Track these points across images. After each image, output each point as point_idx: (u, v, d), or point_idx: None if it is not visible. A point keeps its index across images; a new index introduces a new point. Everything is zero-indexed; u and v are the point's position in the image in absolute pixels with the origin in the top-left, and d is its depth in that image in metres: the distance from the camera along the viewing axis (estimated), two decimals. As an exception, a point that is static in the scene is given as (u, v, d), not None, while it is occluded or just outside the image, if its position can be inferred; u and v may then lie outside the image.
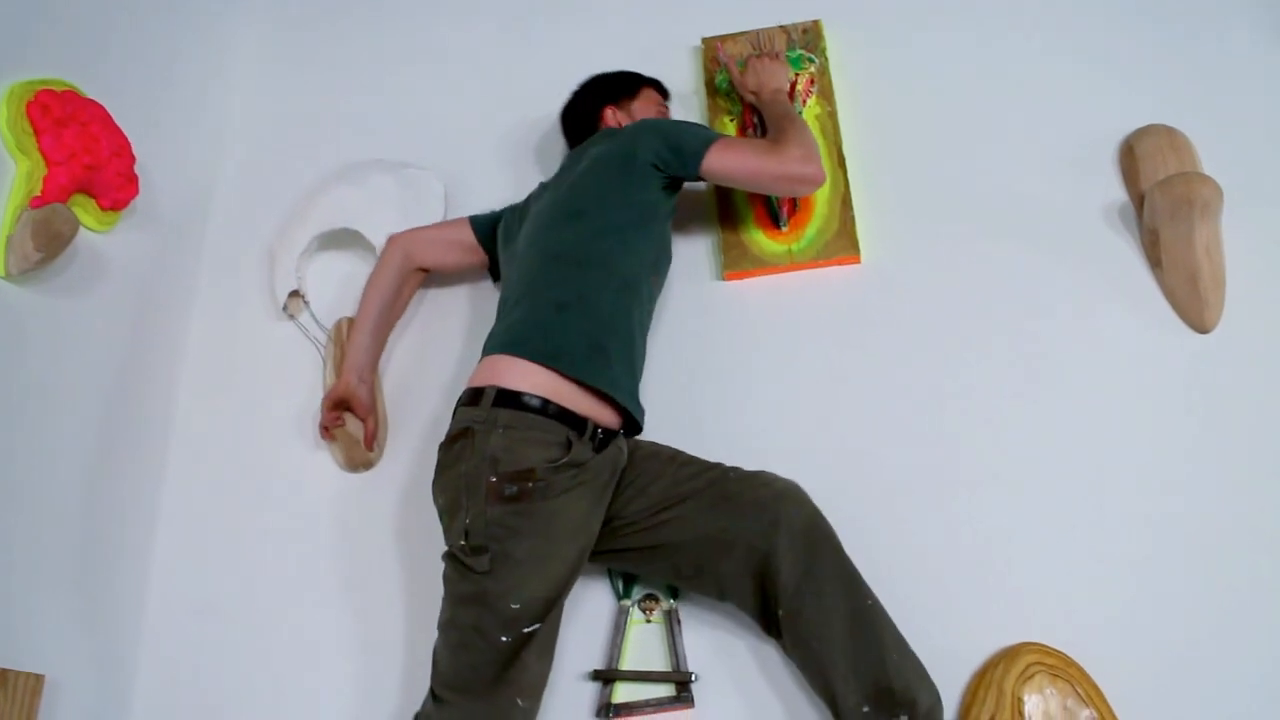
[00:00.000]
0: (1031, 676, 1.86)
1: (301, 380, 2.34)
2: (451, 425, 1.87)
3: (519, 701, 1.76)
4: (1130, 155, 2.22)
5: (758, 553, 1.81)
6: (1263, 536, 1.94)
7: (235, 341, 2.41)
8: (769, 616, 1.84)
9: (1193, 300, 2.09)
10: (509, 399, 1.81)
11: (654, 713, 1.94)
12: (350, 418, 2.22)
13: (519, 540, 1.74)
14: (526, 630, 1.75)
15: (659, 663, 1.98)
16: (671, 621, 1.99)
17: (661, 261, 2.11)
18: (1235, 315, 2.09)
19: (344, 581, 2.14)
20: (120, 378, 2.20)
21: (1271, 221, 2.15)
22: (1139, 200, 2.18)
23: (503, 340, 1.90)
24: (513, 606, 1.73)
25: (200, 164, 2.56)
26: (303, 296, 2.39)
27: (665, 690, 1.96)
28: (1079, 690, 1.86)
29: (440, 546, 1.87)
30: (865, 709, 1.73)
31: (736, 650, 1.96)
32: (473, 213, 2.32)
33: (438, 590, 1.86)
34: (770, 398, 2.14)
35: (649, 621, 2.01)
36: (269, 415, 2.32)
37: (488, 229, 2.25)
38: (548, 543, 1.77)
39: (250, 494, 2.26)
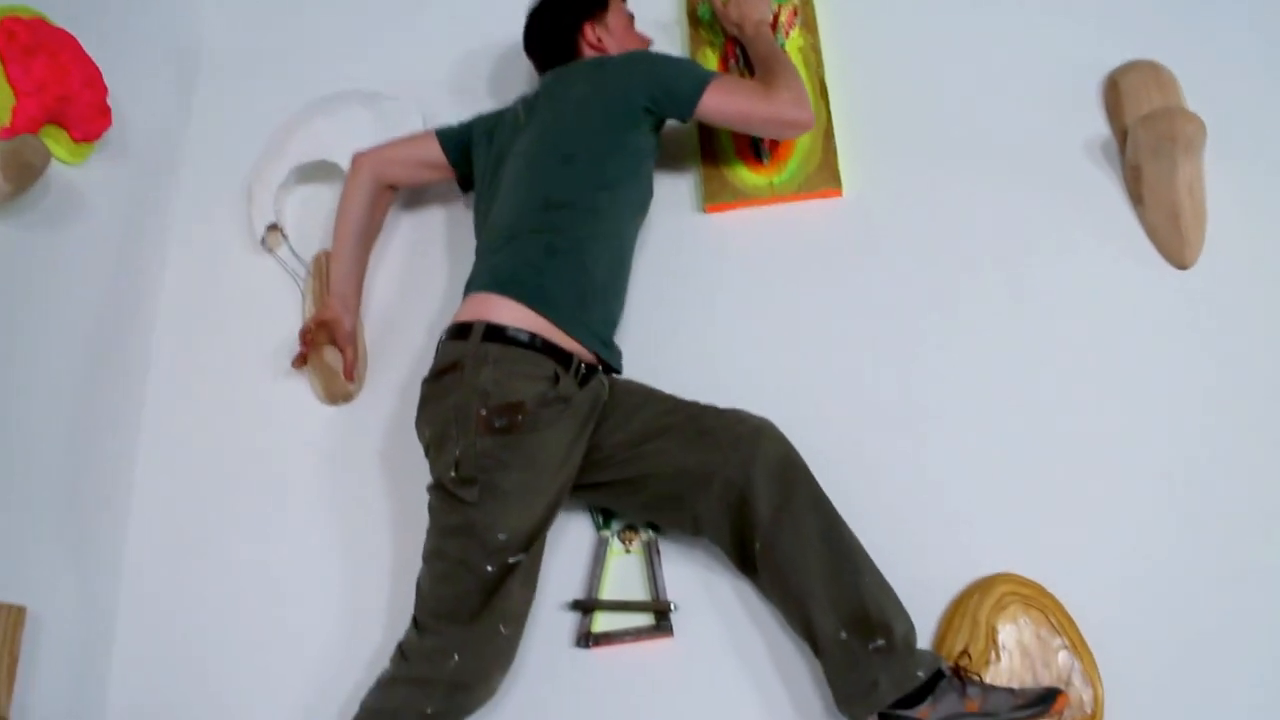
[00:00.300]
0: (1006, 606, 1.89)
1: (281, 314, 2.33)
2: (438, 359, 1.88)
3: (501, 629, 1.79)
4: (1115, 90, 2.21)
5: (734, 487, 1.83)
6: (1236, 470, 1.96)
7: (213, 276, 2.39)
8: (745, 552, 1.86)
9: (1173, 237, 2.09)
10: (497, 334, 1.82)
11: (633, 642, 1.97)
12: (329, 350, 2.21)
13: (507, 472, 1.77)
14: (511, 561, 1.78)
15: (638, 593, 2.00)
16: (650, 552, 2.01)
17: (647, 201, 2.10)
18: (1215, 253, 2.10)
19: (326, 514, 2.15)
20: (97, 312, 2.19)
21: (1253, 159, 2.15)
22: (1122, 136, 2.17)
23: (489, 279, 1.90)
24: (499, 537, 1.76)
25: (174, 96, 2.52)
26: (281, 230, 2.37)
27: (644, 620, 1.98)
28: (1052, 620, 1.88)
29: (421, 479, 1.88)
30: (843, 635, 1.77)
31: (715, 580, 1.99)
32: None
33: (420, 521, 1.88)
34: (749, 331, 2.14)
35: (628, 552, 2.03)
36: (248, 349, 2.31)
37: (457, 146, 2.21)
38: (534, 475, 1.79)
39: (230, 428, 2.25)
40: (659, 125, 2.08)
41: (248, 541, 2.16)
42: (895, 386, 2.07)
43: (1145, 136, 2.08)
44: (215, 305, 2.36)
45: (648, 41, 2.25)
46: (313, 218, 2.40)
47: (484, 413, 1.77)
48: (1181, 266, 2.09)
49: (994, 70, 2.28)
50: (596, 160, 1.97)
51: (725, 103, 2.01)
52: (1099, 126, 2.22)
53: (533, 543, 1.82)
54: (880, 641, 1.76)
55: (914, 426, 2.04)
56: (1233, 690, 1.86)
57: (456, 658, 1.77)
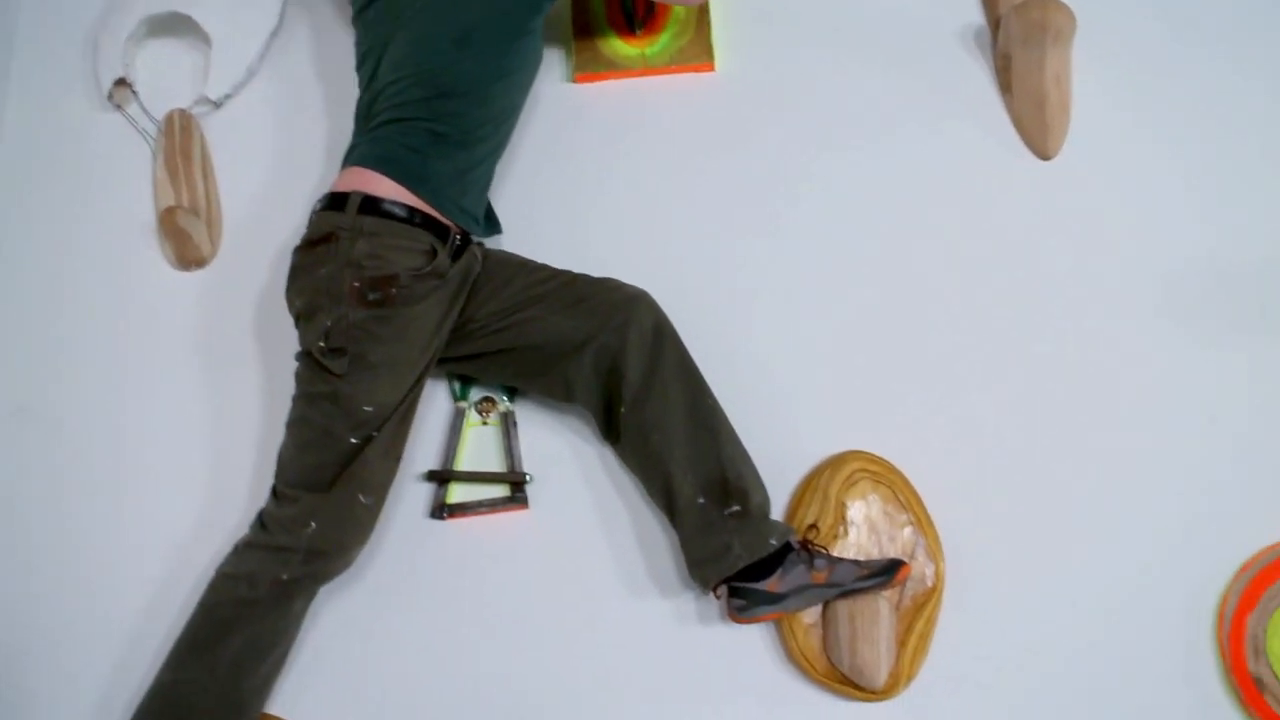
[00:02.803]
0: (856, 483, 1.93)
1: (130, 174, 2.21)
2: (310, 229, 1.83)
3: (361, 498, 1.78)
4: (992, -16, 2.21)
5: (608, 352, 1.84)
6: (1085, 355, 2.03)
7: (55, 133, 2.25)
8: (610, 417, 1.88)
9: (1038, 127, 2.12)
10: (374, 206, 1.78)
11: (488, 513, 1.97)
12: (181, 213, 2.11)
13: (377, 344, 1.76)
14: (375, 433, 1.77)
15: (494, 464, 2.00)
16: (508, 423, 2.00)
17: (535, 74, 2.03)
18: (1076, 144, 2.13)
19: (183, 383, 2.09)
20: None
21: (1120, 54, 2.17)
22: (996, 24, 2.17)
23: (368, 154, 1.84)
24: (365, 409, 1.76)
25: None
26: (130, 85, 2.24)
27: (500, 491, 1.98)
28: (899, 496, 1.93)
29: (283, 348, 1.84)
30: (700, 500, 1.81)
31: (571, 453, 2.00)
32: (315, 4, 2.18)
33: (282, 392, 1.85)
34: (617, 204, 2.12)
35: (485, 423, 2.02)
36: (96, 211, 2.20)
37: None
38: (404, 348, 1.79)
39: (77, 295, 2.15)
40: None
41: (100, 412, 2.09)
42: (757, 262, 2.08)
43: (1017, 25, 2.09)
44: (57, 164, 2.23)
45: None
46: (165, 73, 2.27)
47: (357, 285, 1.75)
48: (1044, 156, 2.12)
49: (873, -49, 2.26)
50: (494, 46, 1.88)
51: None
52: (974, 14, 2.22)
53: (401, 418, 1.81)
54: (736, 507, 1.80)
55: (771, 304, 2.05)
56: (1069, 566, 1.95)
57: (314, 525, 1.76)
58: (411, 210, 1.80)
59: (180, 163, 2.18)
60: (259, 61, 2.25)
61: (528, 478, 1.97)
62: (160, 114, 2.23)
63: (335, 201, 1.81)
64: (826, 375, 2.02)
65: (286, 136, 2.22)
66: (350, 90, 2.18)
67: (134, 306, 2.14)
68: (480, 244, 1.95)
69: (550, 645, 1.93)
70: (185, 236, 2.12)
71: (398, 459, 1.85)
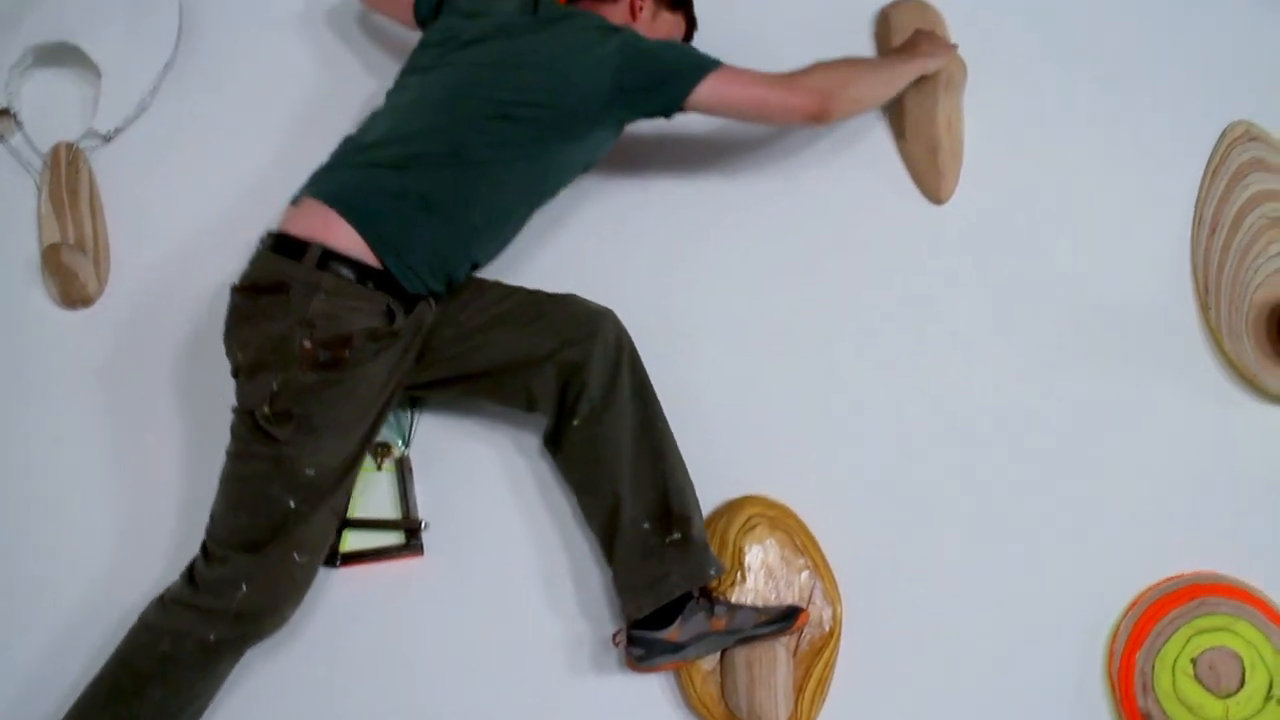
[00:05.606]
0: (753, 528, 1.94)
1: (12, 209, 2.14)
2: (257, 270, 1.74)
3: (296, 557, 1.73)
4: (885, 24, 2.24)
5: (571, 364, 1.81)
6: (980, 398, 2.06)
7: (-69, 163, 2.18)
8: (560, 427, 1.85)
9: (930, 171, 2.15)
10: (335, 261, 1.68)
11: (383, 561, 1.94)
12: (66, 249, 2.04)
13: (324, 408, 1.69)
14: (316, 498, 1.72)
15: (389, 511, 1.97)
16: (402, 469, 1.97)
17: (567, 183, 1.93)
18: (967, 188, 2.16)
19: (65, 422, 2.03)
20: None
21: (1009, 100, 2.21)
22: (891, 71, 2.21)
23: (342, 197, 1.73)
24: (307, 472, 1.70)
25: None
26: (14, 116, 2.17)
27: (395, 538, 1.95)
28: (796, 541, 1.95)
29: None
30: (645, 524, 1.81)
31: (467, 499, 1.98)
32: (217, 33, 2.16)
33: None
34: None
35: (379, 469, 1.98)
36: (-27, 247, 2.13)
37: (427, 10, 1.98)
38: (352, 408, 1.72)
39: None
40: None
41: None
42: (651, 306, 2.04)
43: (911, 73, 2.13)
44: (-67, 196, 2.16)
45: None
46: (52, 104, 2.20)
47: (308, 345, 1.65)
48: (937, 200, 2.16)
49: (771, -4, 2.27)
50: (535, 137, 1.78)
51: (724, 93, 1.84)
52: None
53: (344, 477, 1.76)
54: (677, 535, 1.80)
55: (669, 347, 2.02)
56: (964, 607, 1.99)
57: (245, 588, 1.70)
58: (369, 270, 1.70)
59: (66, 198, 2.12)
60: (151, 95, 2.19)
61: (423, 524, 1.94)
62: (46, 147, 2.16)
63: (290, 247, 1.70)
64: (722, 419, 2.03)
65: (178, 173, 2.16)
66: (245, 128, 2.16)
67: (17, 345, 2.08)
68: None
69: (445, 695, 1.91)
70: (71, 274, 2.06)
71: (341, 513, 1.81)
